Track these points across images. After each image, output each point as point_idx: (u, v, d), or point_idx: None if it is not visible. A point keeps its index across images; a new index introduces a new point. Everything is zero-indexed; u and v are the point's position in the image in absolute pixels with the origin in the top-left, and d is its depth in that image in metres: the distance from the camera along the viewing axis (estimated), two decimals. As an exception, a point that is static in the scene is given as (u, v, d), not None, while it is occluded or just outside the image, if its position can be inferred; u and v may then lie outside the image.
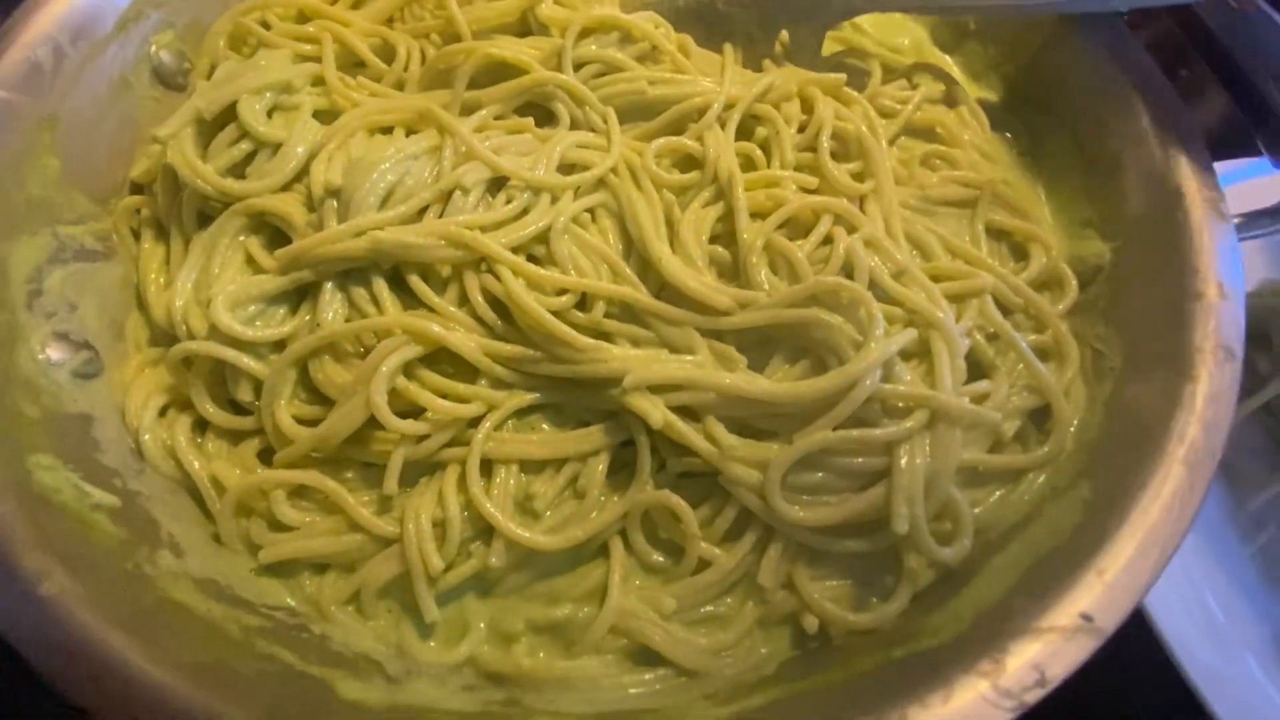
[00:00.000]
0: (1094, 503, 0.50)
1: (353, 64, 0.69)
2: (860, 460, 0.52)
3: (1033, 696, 0.40)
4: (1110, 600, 0.43)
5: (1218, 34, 0.61)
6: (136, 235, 0.65)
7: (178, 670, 0.41)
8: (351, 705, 0.44)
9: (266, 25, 0.70)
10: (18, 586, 0.42)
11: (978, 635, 0.45)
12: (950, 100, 0.73)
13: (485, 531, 0.54)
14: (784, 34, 0.72)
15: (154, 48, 0.69)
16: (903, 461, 0.50)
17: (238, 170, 0.62)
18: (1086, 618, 0.42)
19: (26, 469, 0.47)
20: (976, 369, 0.57)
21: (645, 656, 0.52)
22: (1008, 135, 0.73)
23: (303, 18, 0.71)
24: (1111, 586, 0.44)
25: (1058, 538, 0.49)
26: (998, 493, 0.55)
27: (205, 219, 0.62)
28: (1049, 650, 0.42)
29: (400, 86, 0.68)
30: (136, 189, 0.66)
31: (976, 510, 0.54)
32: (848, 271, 0.56)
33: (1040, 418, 0.58)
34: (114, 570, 0.46)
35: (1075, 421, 0.57)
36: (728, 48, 0.69)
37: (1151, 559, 0.45)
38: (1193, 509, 0.46)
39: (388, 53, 0.69)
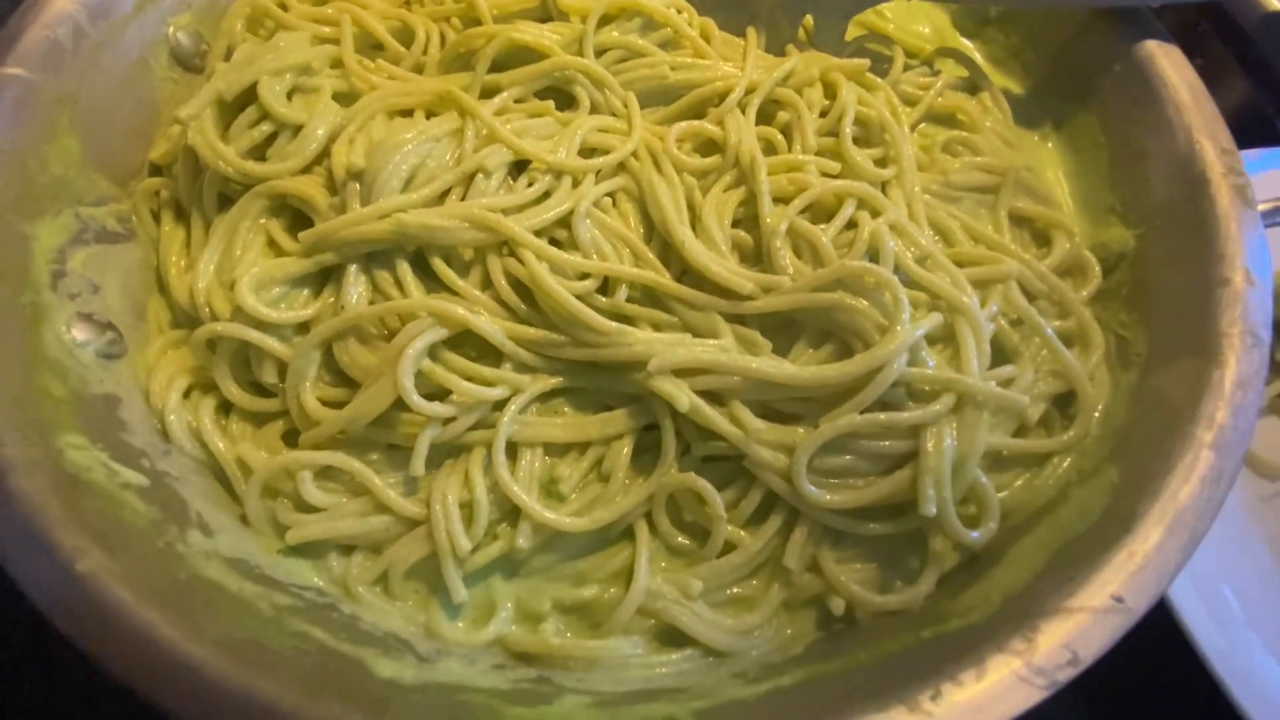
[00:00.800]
0: (1122, 486, 0.50)
1: (370, 46, 0.68)
2: (887, 444, 0.52)
3: (1065, 675, 0.40)
4: (1140, 582, 0.44)
5: (1243, 25, 0.60)
6: (156, 217, 0.65)
7: (215, 645, 0.41)
8: (387, 682, 0.45)
9: (284, 6, 0.69)
10: (55, 563, 0.42)
11: (1008, 616, 0.45)
12: (972, 87, 0.73)
13: (511, 513, 0.54)
14: (808, 19, 0.72)
15: (171, 29, 0.69)
16: (930, 445, 0.51)
17: (258, 152, 0.61)
18: (1118, 599, 0.43)
19: (58, 448, 0.47)
20: (1000, 354, 0.57)
21: (672, 637, 0.52)
22: (1030, 121, 0.73)
23: (319, -2, 0.70)
24: (1142, 568, 0.44)
25: (1085, 521, 0.49)
26: (1023, 477, 0.55)
27: (226, 201, 0.62)
28: (1081, 630, 0.42)
29: (419, 70, 0.67)
30: (155, 170, 0.66)
31: (1002, 494, 0.54)
32: (872, 256, 0.56)
33: (1064, 403, 0.58)
34: (147, 548, 0.46)
35: (1100, 406, 0.57)
36: (750, 32, 0.69)
37: (1181, 541, 0.45)
38: (1221, 493, 0.47)
39: (406, 35, 0.68)
